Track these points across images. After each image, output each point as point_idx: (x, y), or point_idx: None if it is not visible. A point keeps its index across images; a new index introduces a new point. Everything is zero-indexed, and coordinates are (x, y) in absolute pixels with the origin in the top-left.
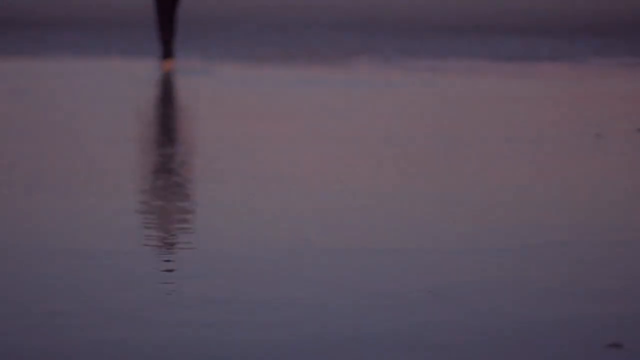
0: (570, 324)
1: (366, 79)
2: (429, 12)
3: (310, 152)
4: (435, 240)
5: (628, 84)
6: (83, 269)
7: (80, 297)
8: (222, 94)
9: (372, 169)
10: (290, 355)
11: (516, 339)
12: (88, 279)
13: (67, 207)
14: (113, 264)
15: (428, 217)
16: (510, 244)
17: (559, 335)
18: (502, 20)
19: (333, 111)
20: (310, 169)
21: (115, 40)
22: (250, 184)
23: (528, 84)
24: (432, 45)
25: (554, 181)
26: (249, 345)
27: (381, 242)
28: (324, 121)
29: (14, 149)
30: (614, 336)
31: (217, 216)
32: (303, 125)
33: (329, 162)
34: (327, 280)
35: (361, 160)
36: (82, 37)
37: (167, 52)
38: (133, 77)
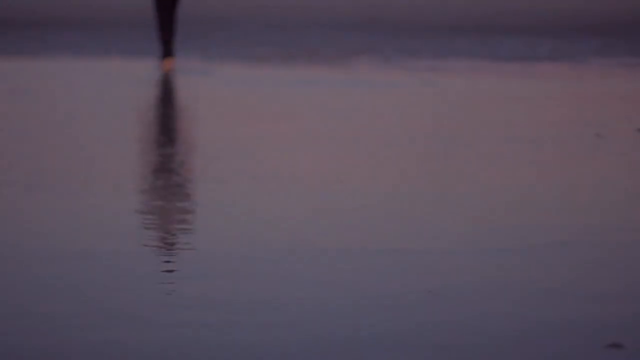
0: (570, 324)
1: (366, 79)
2: (429, 12)
3: (310, 152)
4: (435, 240)
5: (628, 84)
6: (83, 269)
7: (80, 297)
8: (222, 94)
9: (372, 169)
10: (290, 355)
11: (516, 339)
12: (88, 280)
13: (67, 207)
14: (113, 264)
15: (428, 217)
16: (510, 244)
17: (559, 336)
18: (502, 20)
19: (333, 111)
20: (310, 169)
21: (115, 40)
22: (250, 184)
23: (528, 84)
24: (432, 45)
25: (554, 181)
26: (249, 346)
27: (381, 242)
28: (324, 121)
29: (14, 149)
30: (614, 336)
31: (217, 216)
32: (303, 125)
33: (329, 162)
34: (327, 280)
35: (361, 160)
36: (82, 37)
37: (167, 52)
38: (133, 77)
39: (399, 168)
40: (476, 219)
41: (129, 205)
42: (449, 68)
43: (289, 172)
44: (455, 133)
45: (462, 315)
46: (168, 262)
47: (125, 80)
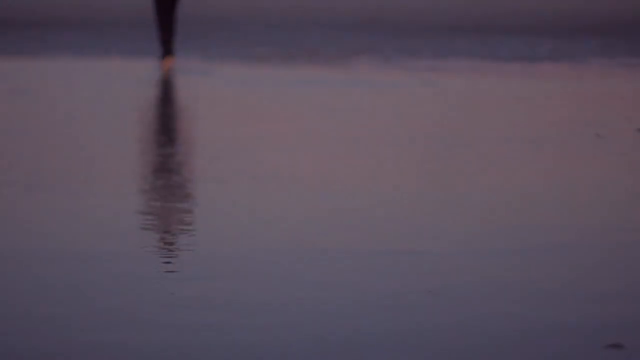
0: (570, 324)
1: (366, 79)
2: (429, 12)
3: (310, 152)
4: (435, 240)
5: (628, 84)
6: (82, 269)
7: (80, 297)
8: (222, 94)
9: (372, 169)
10: (290, 355)
11: (516, 339)
12: (88, 281)
13: (67, 207)
14: (113, 264)
15: (428, 218)
16: (510, 244)
17: (559, 336)
18: (502, 20)
19: (333, 111)
20: (310, 169)
21: (115, 40)
22: (250, 184)
23: (528, 84)
24: (432, 45)
25: (554, 181)
26: (249, 346)
27: (381, 243)
28: (324, 121)
29: (14, 149)
30: (614, 336)
31: (217, 217)
32: (303, 125)
33: (329, 162)
34: (327, 281)
35: (361, 160)
36: (82, 37)
37: (167, 51)
38: (133, 77)
39: (399, 168)
40: (476, 219)
41: (129, 206)
42: (449, 68)
43: (289, 172)
44: (455, 133)
45: (462, 316)
46: (168, 262)
47: (125, 80)
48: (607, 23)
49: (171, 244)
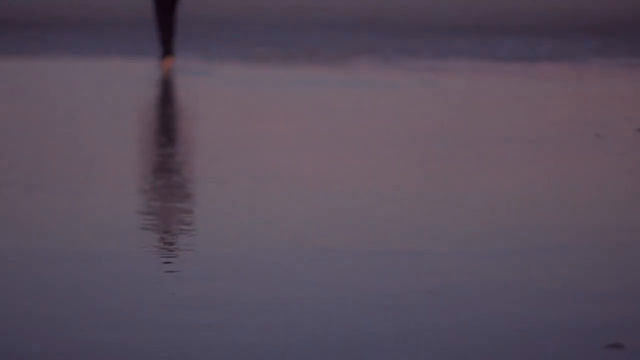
0: (570, 324)
1: (366, 79)
2: (429, 12)
3: (310, 152)
4: (435, 240)
5: (628, 84)
6: (82, 269)
7: (80, 298)
8: (222, 94)
9: (372, 169)
10: (290, 355)
11: (516, 339)
12: (88, 281)
13: (67, 207)
14: (113, 265)
15: (428, 218)
16: (510, 244)
17: (559, 336)
18: (502, 20)
19: (333, 111)
20: (310, 169)
21: (115, 40)
22: (250, 184)
23: (528, 84)
24: (432, 45)
25: (554, 181)
26: (249, 346)
27: (381, 243)
28: (324, 121)
29: (13, 149)
30: (614, 336)
31: (217, 217)
32: (303, 125)
33: (329, 162)
34: (327, 281)
35: (361, 160)
36: (82, 37)
37: (167, 51)
38: (133, 77)
39: (399, 168)
40: (476, 219)
41: (129, 206)
42: (449, 68)
43: (289, 172)
44: (455, 133)
45: (462, 316)
46: (168, 262)
47: (125, 80)
48: (607, 23)
49: (171, 244)
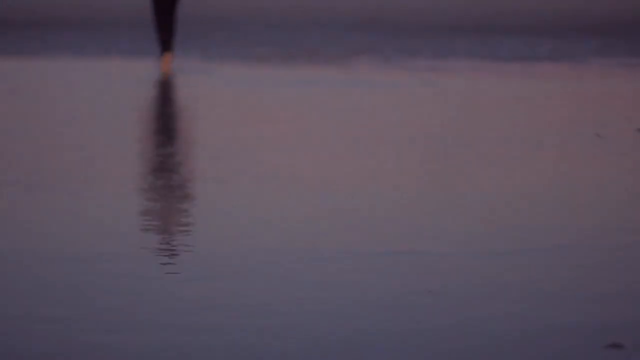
0: (570, 324)
1: (366, 79)
2: (429, 12)
3: (310, 152)
4: (435, 240)
5: (628, 84)
6: (83, 270)
7: (80, 300)
8: (222, 94)
9: (372, 169)
10: (290, 355)
11: (516, 339)
12: (88, 281)
13: (67, 207)
14: (113, 265)
15: (428, 218)
16: (510, 245)
17: (559, 336)
18: (502, 20)
19: (333, 111)
20: (310, 169)
21: (115, 40)
22: (250, 184)
23: (528, 84)
24: (432, 45)
25: (554, 181)
26: (249, 346)
27: (381, 243)
28: (324, 121)
29: (13, 148)
30: (614, 336)
31: (217, 217)
32: (303, 125)
33: (329, 162)
34: (328, 281)
35: (361, 160)
36: (82, 37)
37: (166, 49)
38: (133, 77)
39: (399, 168)
40: (476, 219)
41: (129, 206)
42: (449, 68)
43: (289, 172)
44: (455, 133)
45: (462, 316)
46: (168, 263)
47: (125, 80)
48: (607, 23)
49: (171, 244)
